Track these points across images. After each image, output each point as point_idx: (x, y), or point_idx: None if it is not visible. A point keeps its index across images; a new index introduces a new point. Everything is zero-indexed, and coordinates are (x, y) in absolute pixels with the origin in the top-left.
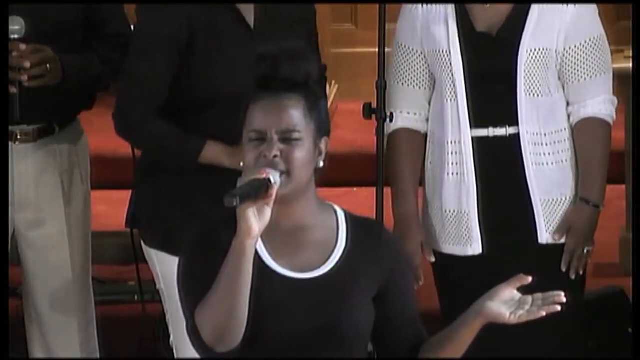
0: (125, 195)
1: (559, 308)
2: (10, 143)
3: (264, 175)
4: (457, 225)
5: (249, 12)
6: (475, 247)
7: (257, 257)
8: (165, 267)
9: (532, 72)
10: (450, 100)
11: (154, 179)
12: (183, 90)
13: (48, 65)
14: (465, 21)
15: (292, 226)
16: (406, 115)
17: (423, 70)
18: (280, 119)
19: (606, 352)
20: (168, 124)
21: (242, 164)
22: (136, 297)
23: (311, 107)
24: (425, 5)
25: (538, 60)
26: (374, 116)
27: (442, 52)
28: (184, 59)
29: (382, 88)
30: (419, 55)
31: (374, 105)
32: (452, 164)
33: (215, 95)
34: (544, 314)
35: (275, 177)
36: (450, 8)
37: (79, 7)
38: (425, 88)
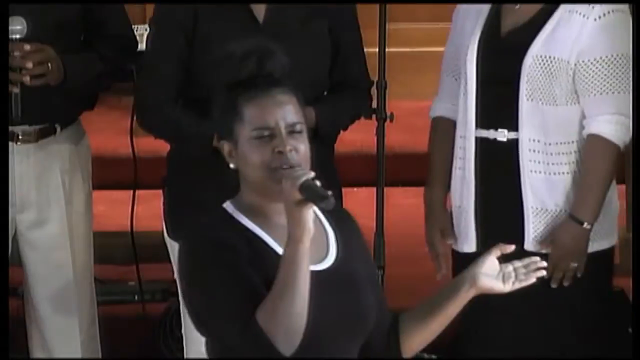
0: (126, 195)
1: (544, 273)
2: (11, 143)
3: (311, 174)
4: (458, 221)
5: (259, 8)
6: (470, 245)
7: (275, 253)
8: None
9: (536, 78)
10: (463, 95)
11: (178, 173)
12: (187, 80)
13: (49, 65)
14: (494, 21)
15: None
16: (443, 104)
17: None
18: (286, 113)
19: (606, 352)
20: (184, 112)
21: (232, 165)
22: (136, 297)
23: (299, 100)
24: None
25: (543, 68)
26: (373, 116)
27: (464, 47)
28: (190, 48)
29: (382, 88)
30: (456, 48)
31: (374, 105)
32: (459, 158)
33: (214, 85)
34: (534, 279)
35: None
36: (487, 6)
37: (79, 7)
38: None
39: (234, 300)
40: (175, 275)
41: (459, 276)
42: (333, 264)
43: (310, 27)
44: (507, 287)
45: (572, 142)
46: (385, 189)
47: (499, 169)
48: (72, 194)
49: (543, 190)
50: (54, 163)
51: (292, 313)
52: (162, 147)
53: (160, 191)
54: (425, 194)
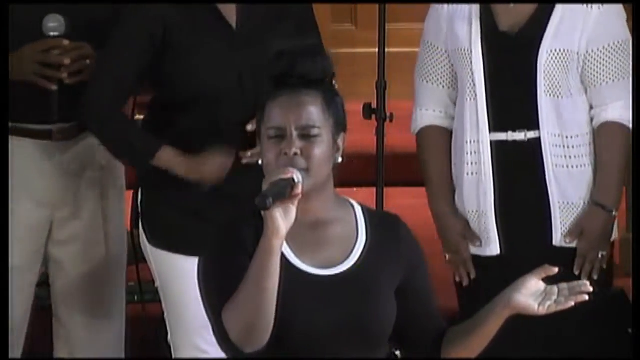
0: (126, 195)
1: (586, 297)
2: (40, 141)
3: (288, 175)
4: (476, 226)
5: (230, 11)
6: (493, 248)
7: (281, 254)
8: (163, 265)
9: (553, 73)
10: (470, 99)
11: (157, 178)
12: (163, 88)
13: (87, 62)
14: (489, 20)
15: (312, 222)
16: (432, 112)
17: (447, 69)
18: (299, 116)
19: (606, 352)
20: (131, 121)
21: (260, 161)
22: (136, 297)
23: (329, 103)
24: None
25: (558, 61)
26: (373, 116)
27: (464, 50)
28: (161, 56)
29: (381, 88)
30: (443, 54)
31: (374, 105)
32: (471, 163)
33: (195, 93)
34: (572, 304)
35: (298, 176)
36: (476, 7)
37: (108, 6)
38: (449, 87)
39: (216, 294)
40: (157, 284)
41: (500, 294)
42: (348, 270)
43: (281, 28)
44: (542, 310)
45: (586, 133)
46: (385, 189)
47: (518, 169)
48: (107, 189)
49: (567, 185)
50: (90, 158)
51: (251, 310)
52: None
53: None
54: (433, 206)
